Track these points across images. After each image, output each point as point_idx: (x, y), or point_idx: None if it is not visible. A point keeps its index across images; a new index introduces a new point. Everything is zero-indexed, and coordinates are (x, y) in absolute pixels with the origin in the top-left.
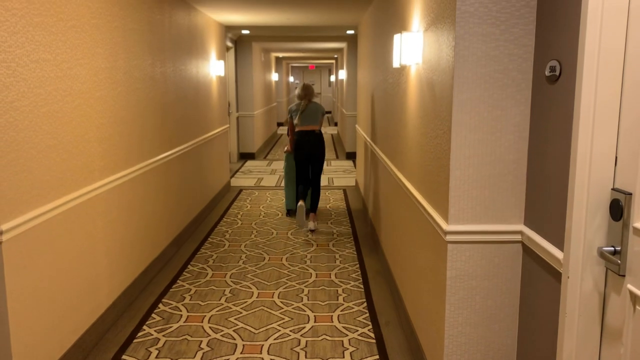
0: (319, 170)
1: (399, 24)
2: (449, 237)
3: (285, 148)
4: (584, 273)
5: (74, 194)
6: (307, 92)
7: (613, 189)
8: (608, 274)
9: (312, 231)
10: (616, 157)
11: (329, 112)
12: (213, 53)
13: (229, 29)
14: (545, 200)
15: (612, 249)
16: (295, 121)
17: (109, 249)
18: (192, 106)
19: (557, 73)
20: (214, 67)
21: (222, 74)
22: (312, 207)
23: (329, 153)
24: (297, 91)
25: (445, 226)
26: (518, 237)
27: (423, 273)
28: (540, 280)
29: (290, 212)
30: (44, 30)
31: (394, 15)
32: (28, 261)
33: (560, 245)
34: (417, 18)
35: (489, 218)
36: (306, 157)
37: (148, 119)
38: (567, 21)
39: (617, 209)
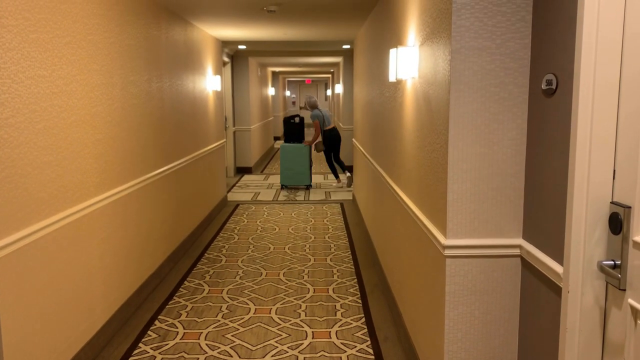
0: (339, 152)
1: (395, 38)
2: (447, 252)
3: (305, 142)
4: (584, 287)
5: (69, 211)
6: (316, 102)
7: (612, 203)
8: (608, 288)
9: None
10: (614, 170)
11: None
12: (210, 68)
13: (225, 44)
14: (544, 213)
15: (612, 262)
16: (325, 123)
17: (105, 266)
18: (189, 121)
19: (554, 86)
20: (210, 82)
21: (219, 89)
22: (343, 169)
23: (326, 166)
24: (312, 99)
25: (443, 240)
26: (517, 251)
27: (421, 288)
28: (539, 295)
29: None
30: (40, 47)
31: (389, 30)
32: (22, 279)
33: (559, 259)
34: (412, 32)
35: (487, 232)
36: (334, 144)
37: (144, 135)
38: (563, 35)
39: (617, 223)
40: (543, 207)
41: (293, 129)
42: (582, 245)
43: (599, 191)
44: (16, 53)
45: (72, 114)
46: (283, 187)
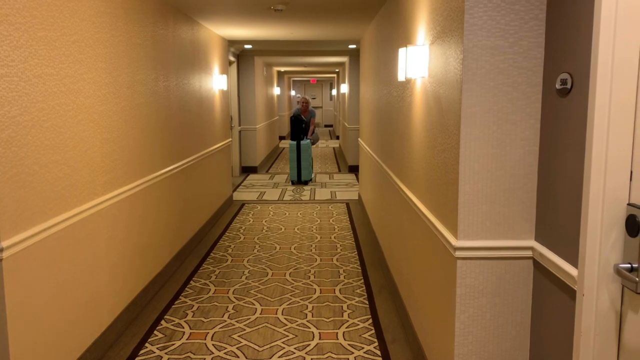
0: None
1: (404, 37)
2: (458, 253)
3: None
4: (600, 291)
5: (76, 210)
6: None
7: (629, 204)
8: (625, 292)
9: None
10: (631, 172)
11: (331, 126)
12: (216, 67)
13: (231, 44)
14: (557, 215)
15: (629, 266)
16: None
17: (111, 265)
18: (195, 120)
19: (569, 86)
20: (216, 81)
21: (225, 88)
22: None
23: (331, 166)
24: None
25: (454, 242)
26: (529, 253)
27: (431, 289)
28: (552, 298)
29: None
30: (48, 45)
31: (398, 29)
32: (29, 278)
33: (573, 261)
34: (422, 31)
35: (499, 233)
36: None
37: (151, 134)
38: (578, 33)
39: (634, 225)
40: (556, 209)
41: (301, 127)
42: (598, 248)
43: (616, 193)
44: (24, 51)
45: (79, 112)
46: (304, 182)
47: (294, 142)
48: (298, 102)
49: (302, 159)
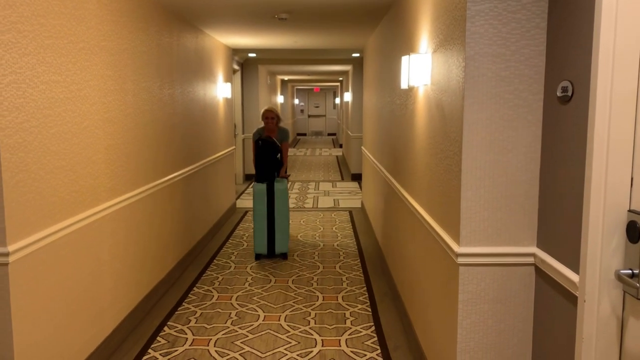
0: None
1: (407, 45)
2: (460, 260)
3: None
4: (601, 297)
5: (80, 215)
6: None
7: (630, 211)
8: (626, 298)
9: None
10: (632, 178)
11: (334, 134)
12: (220, 75)
13: (236, 52)
14: (559, 221)
15: (630, 271)
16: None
17: (115, 271)
18: (199, 128)
19: (570, 93)
20: (220, 90)
21: (229, 96)
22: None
23: (334, 174)
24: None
25: (456, 248)
26: (531, 260)
27: (433, 296)
28: (554, 304)
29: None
30: (55, 52)
31: (401, 37)
32: (34, 283)
33: (575, 267)
34: (425, 40)
35: (501, 240)
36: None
37: (155, 141)
38: (578, 42)
39: (634, 231)
40: (558, 215)
41: (275, 158)
42: (599, 254)
43: (616, 199)
44: (32, 58)
45: (85, 119)
46: (281, 255)
47: (263, 186)
48: (263, 116)
49: (276, 214)
